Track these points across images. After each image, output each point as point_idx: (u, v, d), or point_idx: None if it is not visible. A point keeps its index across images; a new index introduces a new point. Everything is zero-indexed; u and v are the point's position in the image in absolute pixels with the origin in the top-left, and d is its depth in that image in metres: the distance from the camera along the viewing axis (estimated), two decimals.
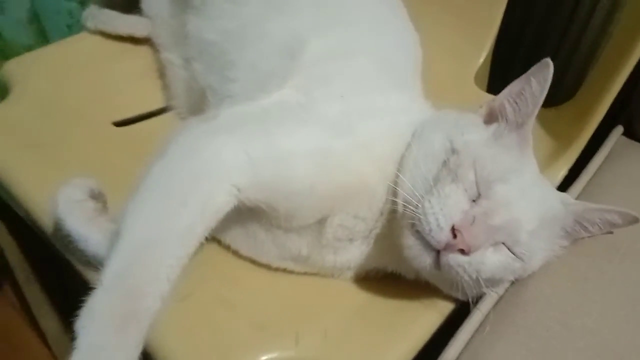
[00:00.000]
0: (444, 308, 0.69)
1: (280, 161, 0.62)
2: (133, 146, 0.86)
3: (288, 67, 0.72)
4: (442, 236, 0.57)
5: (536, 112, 0.64)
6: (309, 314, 0.70)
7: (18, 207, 0.78)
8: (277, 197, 0.63)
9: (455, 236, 0.57)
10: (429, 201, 0.59)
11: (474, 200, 0.60)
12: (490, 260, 0.60)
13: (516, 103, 0.65)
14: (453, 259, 0.58)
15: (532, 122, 0.64)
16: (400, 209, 0.62)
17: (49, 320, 1.14)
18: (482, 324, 0.65)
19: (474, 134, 0.65)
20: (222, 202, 0.60)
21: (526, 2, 1.18)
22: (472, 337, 0.64)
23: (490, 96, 1.05)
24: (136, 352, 0.53)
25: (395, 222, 0.64)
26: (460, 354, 0.62)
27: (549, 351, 0.61)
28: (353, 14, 0.83)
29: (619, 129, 0.94)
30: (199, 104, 0.86)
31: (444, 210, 0.58)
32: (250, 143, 0.62)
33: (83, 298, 0.54)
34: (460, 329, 0.64)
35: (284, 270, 0.72)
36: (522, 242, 0.61)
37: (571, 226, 0.66)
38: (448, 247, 0.58)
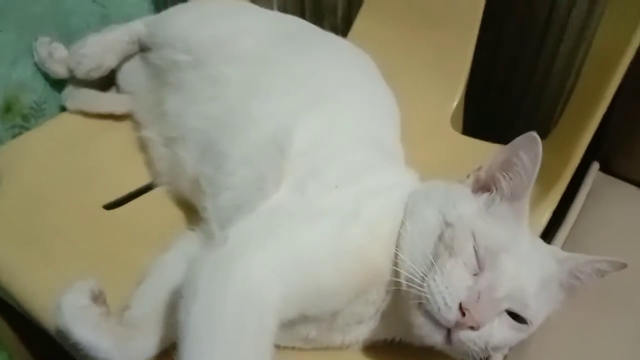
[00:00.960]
0: None
1: (304, 269, 0.62)
2: (127, 228, 0.87)
3: (280, 165, 0.73)
4: (451, 315, 0.59)
5: (531, 187, 0.66)
6: None
7: (19, 307, 0.78)
8: (309, 306, 0.63)
9: (463, 314, 0.59)
10: (434, 279, 0.61)
11: (475, 274, 0.62)
12: (497, 331, 0.62)
13: (509, 177, 0.67)
14: (464, 335, 0.60)
15: (528, 196, 0.66)
16: (404, 287, 0.64)
17: None
18: None
19: (465, 206, 0.67)
20: (272, 324, 0.57)
21: (493, 45, 1.22)
22: None
23: (466, 138, 1.12)
24: None
25: (401, 299, 0.66)
26: None
27: None
28: (332, 90, 0.85)
29: (596, 166, 0.98)
30: (189, 188, 0.87)
31: (449, 289, 0.60)
32: (271, 259, 0.61)
33: None
34: None
35: (292, 348, 0.73)
36: (530, 306, 0.63)
37: (566, 280, 0.68)
38: (458, 325, 0.60)
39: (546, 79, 1.19)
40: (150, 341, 0.67)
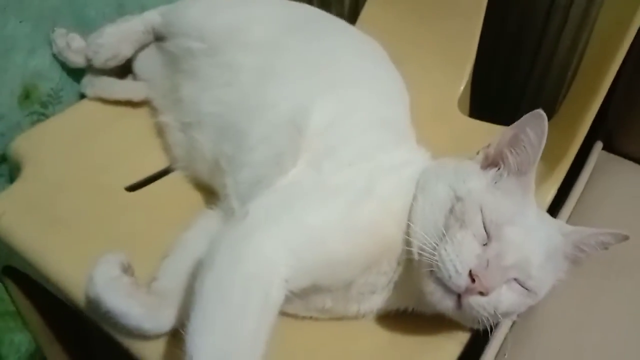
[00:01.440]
0: (463, 337, 0.74)
1: (316, 244, 0.66)
2: (148, 209, 0.91)
3: (297, 142, 0.77)
4: (461, 281, 0.63)
5: (537, 161, 0.69)
6: (335, 355, 0.75)
7: (51, 286, 0.81)
8: (320, 278, 0.68)
9: (473, 280, 0.62)
10: (445, 249, 0.64)
11: (484, 244, 0.66)
12: (505, 297, 0.66)
13: (516, 152, 0.70)
14: (474, 300, 0.64)
15: (534, 170, 0.69)
16: (416, 257, 0.68)
17: None
18: (500, 350, 0.71)
19: (474, 181, 0.70)
20: (277, 298, 0.62)
21: (498, 29, 1.25)
22: None
23: (473, 121, 1.15)
24: None
25: (413, 269, 0.70)
26: None
27: None
28: (345, 74, 0.88)
29: (599, 145, 1.01)
30: (207, 170, 0.90)
31: (459, 257, 0.64)
32: (285, 233, 0.65)
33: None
34: (482, 357, 0.70)
35: (310, 318, 0.76)
36: (533, 276, 0.66)
37: (571, 252, 0.72)
38: (468, 291, 0.63)
39: (550, 62, 1.22)
40: (176, 310, 0.71)
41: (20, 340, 1.14)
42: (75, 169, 0.94)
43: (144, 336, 0.70)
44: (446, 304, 0.66)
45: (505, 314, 0.68)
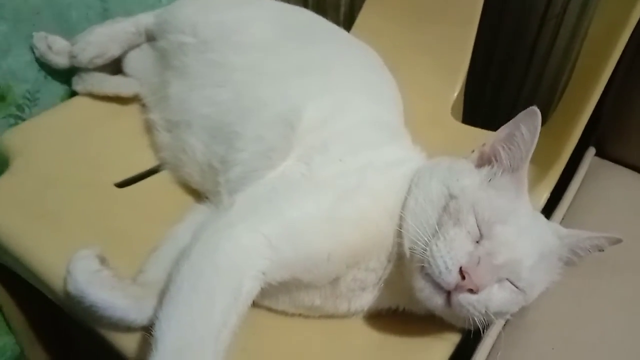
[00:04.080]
0: (454, 337, 0.73)
1: (296, 237, 0.66)
2: (137, 205, 0.89)
3: (289, 138, 0.76)
4: (451, 278, 0.62)
5: (529, 157, 0.69)
6: (326, 353, 0.74)
7: (35, 281, 0.80)
8: (299, 272, 0.67)
9: (463, 277, 0.62)
10: (436, 245, 0.64)
11: (477, 242, 0.65)
12: (496, 297, 0.65)
13: (509, 148, 0.70)
14: (463, 298, 0.63)
15: (526, 166, 0.69)
16: (407, 252, 0.67)
17: None
18: (493, 349, 0.70)
19: (467, 179, 0.70)
20: (250, 289, 0.62)
21: (491, 37, 1.26)
22: None
23: (466, 127, 1.15)
24: None
25: (403, 266, 0.69)
26: None
27: None
28: (338, 74, 0.88)
29: (592, 151, 1.01)
30: (199, 171, 0.89)
31: (450, 253, 0.63)
32: (266, 225, 0.65)
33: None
34: (474, 356, 0.69)
35: (300, 315, 0.75)
36: (523, 277, 0.66)
37: (566, 255, 0.72)
38: (458, 288, 0.63)
39: (543, 69, 1.23)
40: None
41: (5, 342, 1.11)
42: (65, 164, 0.93)
43: (128, 328, 0.68)
44: (436, 301, 0.65)
45: (497, 314, 0.67)
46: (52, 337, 1.12)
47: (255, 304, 0.74)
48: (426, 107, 1.13)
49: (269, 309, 0.75)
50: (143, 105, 1.03)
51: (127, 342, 0.70)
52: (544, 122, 1.05)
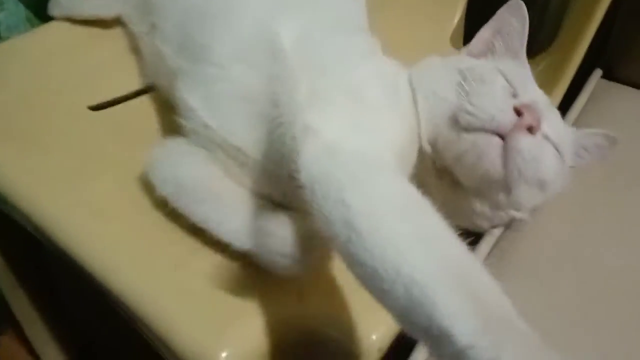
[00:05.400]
0: None
1: None
2: (112, 129, 0.85)
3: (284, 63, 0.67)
4: (508, 117, 0.56)
5: (525, 45, 0.66)
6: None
7: (5, 207, 0.76)
8: None
9: (519, 114, 0.56)
10: (471, 102, 0.58)
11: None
12: (547, 151, 0.60)
13: (502, 39, 0.67)
14: (523, 140, 0.56)
15: (524, 54, 0.66)
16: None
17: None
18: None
19: (473, 60, 0.67)
20: None
21: None
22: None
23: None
24: None
25: (441, 150, 0.62)
26: None
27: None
28: None
29: (598, 72, 0.96)
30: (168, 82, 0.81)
31: (495, 99, 0.57)
32: None
33: None
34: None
35: None
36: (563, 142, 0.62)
37: (576, 149, 0.68)
38: (517, 128, 0.56)
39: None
40: None
41: None
42: (40, 89, 0.88)
43: None
44: (492, 151, 0.57)
45: (539, 184, 0.61)
46: (35, 282, 1.09)
47: None
48: (424, 35, 1.08)
49: None
50: (125, 22, 0.97)
51: (116, 279, 0.65)
52: (550, 45, 1.01)
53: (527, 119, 0.56)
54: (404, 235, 0.41)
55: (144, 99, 0.92)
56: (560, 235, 0.68)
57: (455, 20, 1.11)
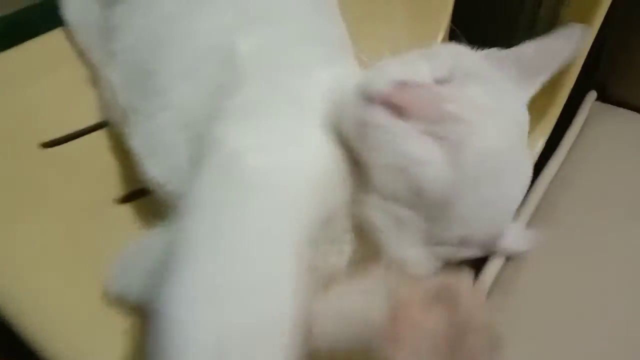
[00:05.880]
0: None
1: None
2: (64, 167, 0.78)
3: (233, 68, 0.63)
4: (381, 84, 0.49)
5: None
6: None
7: None
8: None
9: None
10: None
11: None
12: (421, 146, 0.48)
13: None
14: (380, 116, 0.48)
15: None
16: None
17: None
18: None
19: None
20: None
21: None
22: None
23: None
24: None
25: None
26: None
27: None
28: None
29: (593, 94, 0.90)
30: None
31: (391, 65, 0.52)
32: None
33: None
34: None
35: None
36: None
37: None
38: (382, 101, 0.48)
39: (538, 10, 1.11)
40: None
41: None
42: None
43: None
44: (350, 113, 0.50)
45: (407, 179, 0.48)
46: None
47: None
48: (413, 35, 1.02)
49: None
50: (85, 51, 0.90)
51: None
52: None
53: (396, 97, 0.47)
54: None
55: (100, 134, 0.85)
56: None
57: (439, 40, 1.06)
